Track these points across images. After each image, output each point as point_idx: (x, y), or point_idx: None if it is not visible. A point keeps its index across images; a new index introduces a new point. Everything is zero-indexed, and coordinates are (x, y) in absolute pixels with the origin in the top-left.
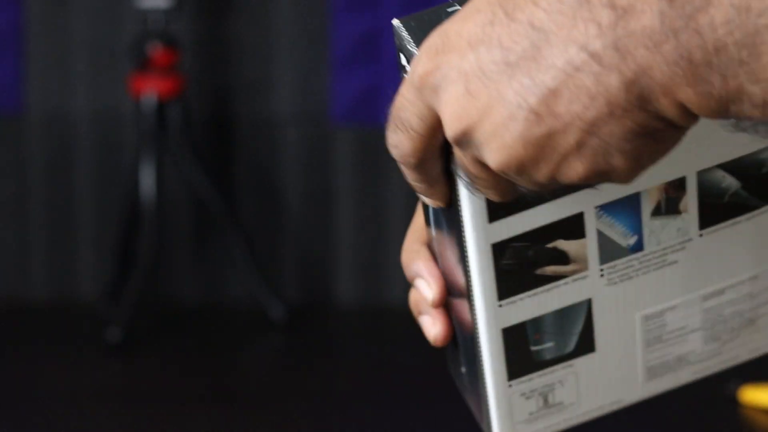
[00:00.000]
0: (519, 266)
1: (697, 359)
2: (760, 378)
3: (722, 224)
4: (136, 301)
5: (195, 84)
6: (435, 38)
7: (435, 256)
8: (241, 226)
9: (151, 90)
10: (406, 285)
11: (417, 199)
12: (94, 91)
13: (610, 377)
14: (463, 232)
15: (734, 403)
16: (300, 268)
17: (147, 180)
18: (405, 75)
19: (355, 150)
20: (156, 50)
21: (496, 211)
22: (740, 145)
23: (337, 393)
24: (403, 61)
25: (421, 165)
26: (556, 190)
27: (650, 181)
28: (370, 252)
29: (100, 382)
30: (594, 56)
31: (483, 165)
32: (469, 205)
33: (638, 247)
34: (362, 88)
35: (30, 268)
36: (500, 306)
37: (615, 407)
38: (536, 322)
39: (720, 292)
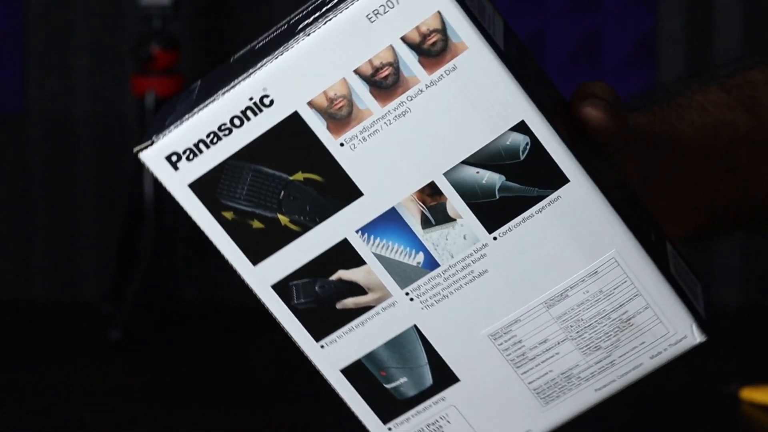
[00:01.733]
0: (315, 303)
1: (589, 374)
2: (761, 379)
3: (512, 223)
4: (138, 300)
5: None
6: None
7: None
8: None
9: (151, 90)
10: None
11: None
12: (95, 91)
13: (499, 406)
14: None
15: (735, 403)
16: None
17: (148, 179)
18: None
19: None
20: (156, 50)
21: (255, 254)
22: (475, 134)
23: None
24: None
25: None
26: (308, 215)
27: (397, 193)
28: None
29: (101, 380)
30: None
31: None
32: (229, 253)
33: (431, 263)
34: None
35: (31, 268)
36: (323, 347)
37: None
38: (372, 359)
39: (561, 295)
